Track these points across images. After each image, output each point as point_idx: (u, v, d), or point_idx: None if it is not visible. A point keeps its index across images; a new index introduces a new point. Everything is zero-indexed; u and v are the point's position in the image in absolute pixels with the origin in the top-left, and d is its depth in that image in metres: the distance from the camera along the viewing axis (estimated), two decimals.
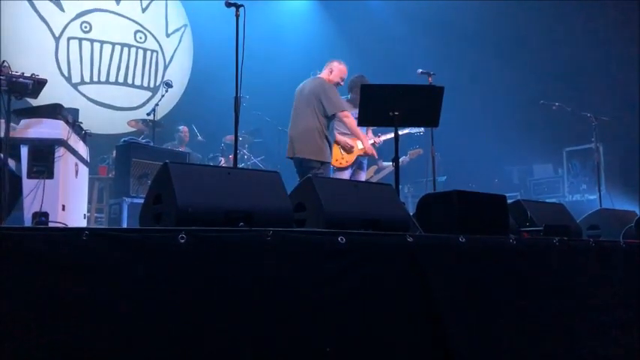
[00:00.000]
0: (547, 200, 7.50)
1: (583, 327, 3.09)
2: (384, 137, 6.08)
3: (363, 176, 6.14)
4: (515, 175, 9.58)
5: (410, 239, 2.54)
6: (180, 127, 8.52)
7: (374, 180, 7.22)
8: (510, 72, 9.17)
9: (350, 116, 5.46)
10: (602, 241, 3.51)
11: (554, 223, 3.64)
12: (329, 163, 5.55)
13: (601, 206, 6.08)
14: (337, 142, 5.89)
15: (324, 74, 5.65)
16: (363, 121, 4.55)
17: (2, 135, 3.83)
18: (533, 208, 3.81)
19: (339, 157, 5.90)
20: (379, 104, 4.14)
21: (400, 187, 4.60)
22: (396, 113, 4.09)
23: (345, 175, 5.89)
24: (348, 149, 5.88)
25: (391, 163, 4.53)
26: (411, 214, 3.36)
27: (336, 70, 5.62)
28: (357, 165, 6.00)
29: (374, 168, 7.37)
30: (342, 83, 5.69)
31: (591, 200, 7.99)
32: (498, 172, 9.42)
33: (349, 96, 6.07)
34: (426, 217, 3.24)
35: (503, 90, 9.27)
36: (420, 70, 5.29)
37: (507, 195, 3.56)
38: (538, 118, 8.39)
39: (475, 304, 2.70)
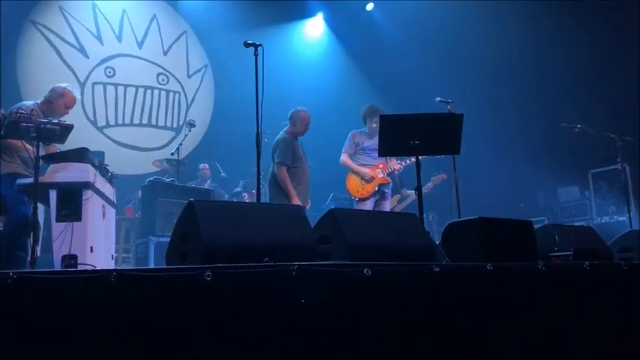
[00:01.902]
0: (575, 223, 7.36)
1: (617, 352, 3.00)
2: (404, 163, 6.07)
3: (386, 206, 6.13)
4: (541, 199, 9.45)
5: (436, 269, 2.51)
6: (201, 166, 8.66)
7: (398, 209, 7.18)
8: (531, 96, 9.14)
9: (283, 171, 5.51)
10: (634, 264, 3.43)
11: (584, 247, 3.57)
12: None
13: (631, 227, 5.94)
14: (356, 173, 5.94)
15: (288, 128, 5.78)
16: (383, 152, 4.56)
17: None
18: (561, 233, 3.75)
19: (359, 188, 5.93)
20: (399, 134, 4.16)
21: (424, 215, 4.57)
22: (417, 142, 4.10)
23: (368, 205, 5.90)
24: (368, 179, 5.90)
25: (414, 192, 4.49)
26: (437, 242, 3.33)
27: (298, 121, 5.73)
28: (379, 195, 6.00)
29: (397, 197, 7.33)
30: (307, 127, 5.77)
31: (621, 222, 7.83)
32: (523, 196, 9.29)
33: (365, 128, 6.12)
34: (451, 246, 3.21)
35: (523, 114, 9.22)
36: (439, 99, 5.31)
37: (534, 220, 3.51)
38: (561, 141, 8.30)
39: (505, 333, 2.65)
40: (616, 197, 8.20)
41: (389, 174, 6.05)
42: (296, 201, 5.44)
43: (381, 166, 6.01)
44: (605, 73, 8.51)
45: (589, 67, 8.63)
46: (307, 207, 5.77)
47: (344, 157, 6.08)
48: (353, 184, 5.97)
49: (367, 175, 5.91)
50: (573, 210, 8.73)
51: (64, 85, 4.91)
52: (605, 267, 3.21)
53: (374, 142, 5.88)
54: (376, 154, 5.85)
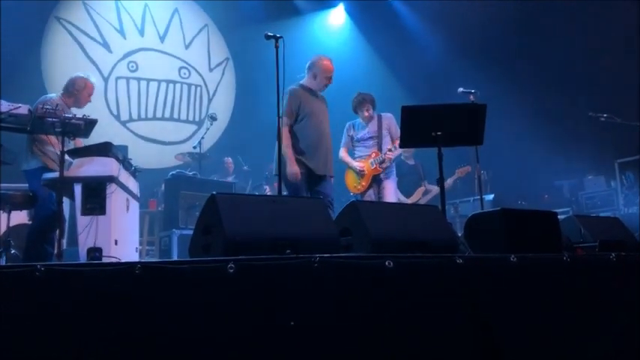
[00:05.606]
0: (601, 214, 7.23)
1: None
2: (396, 152, 5.67)
3: (390, 189, 5.69)
4: (566, 190, 9.29)
5: (459, 261, 2.49)
6: (225, 159, 8.73)
7: (422, 201, 7.13)
8: (557, 85, 9.00)
9: (283, 128, 4.51)
10: None
11: (610, 238, 3.51)
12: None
13: None
14: (352, 168, 5.72)
15: (305, 79, 4.94)
16: (405, 143, 4.50)
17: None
18: (587, 224, 3.69)
19: (356, 184, 5.71)
20: (421, 125, 4.10)
21: (447, 207, 4.52)
22: (439, 133, 4.05)
23: (368, 197, 5.65)
24: (361, 174, 5.67)
25: (437, 186, 4.28)
26: (460, 234, 3.30)
27: (319, 71, 4.86)
28: (375, 184, 5.70)
29: (421, 190, 7.25)
30: (329, 82, 4.92)
31: None
32: (548, 187, 9.16)
33: (358, 119, 5.84)
34: (474, 238, 3.18)
35: (549, 104, 9.08)
36: (461, 89, 5.24)
37: (559, 211, 3.46)
38: (587, 130, 8.16)
39: (530, 326, 2.62)
40: None
41: (412, 166, 5.96)
42: (293, 168, 4.59)
43: (373, 155, 5.68)
44: (632, 61, 8.33)
45: (615, 55, 8.46)
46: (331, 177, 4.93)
47: (341, 152, 5.81)
48: (350, 179, 5.76)
49: (358, 169, 5.66)
50: (599, 201, 8.56)
51: (81, 75, 5.04)
52: (632, 259, 3.14)
53: (366, 131, 5.72)
54: (370, 144, 5.69)
